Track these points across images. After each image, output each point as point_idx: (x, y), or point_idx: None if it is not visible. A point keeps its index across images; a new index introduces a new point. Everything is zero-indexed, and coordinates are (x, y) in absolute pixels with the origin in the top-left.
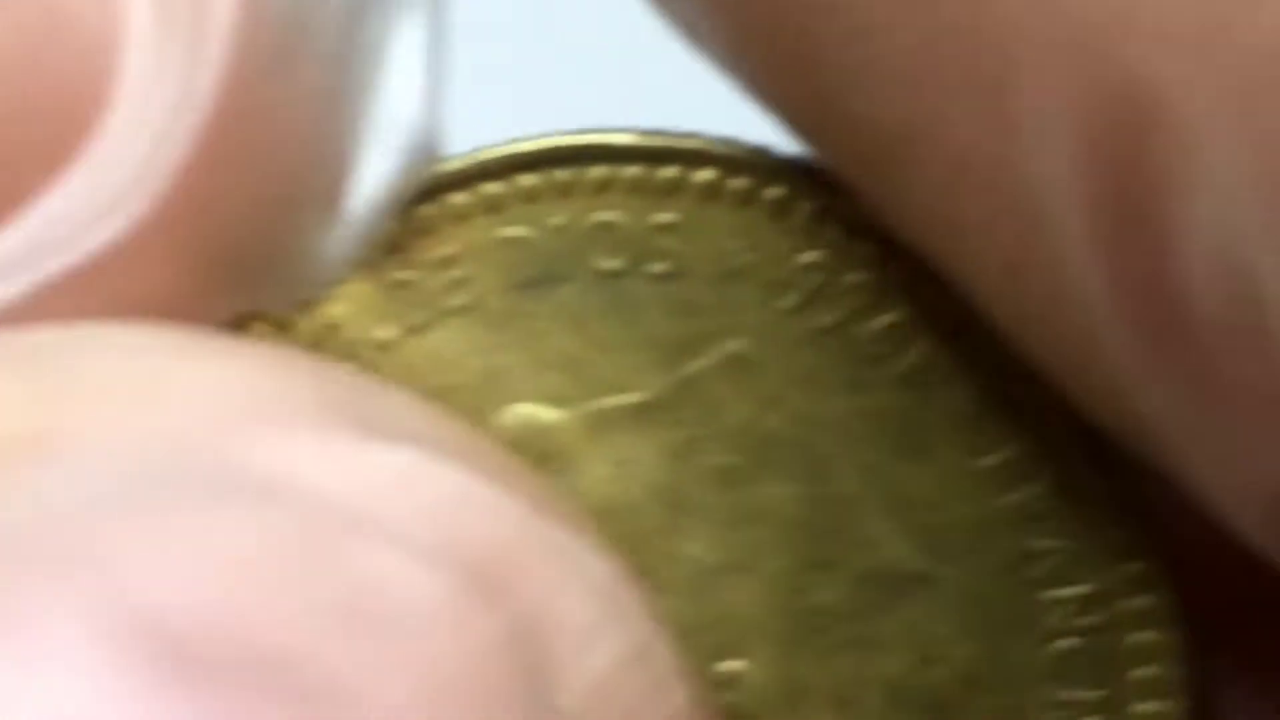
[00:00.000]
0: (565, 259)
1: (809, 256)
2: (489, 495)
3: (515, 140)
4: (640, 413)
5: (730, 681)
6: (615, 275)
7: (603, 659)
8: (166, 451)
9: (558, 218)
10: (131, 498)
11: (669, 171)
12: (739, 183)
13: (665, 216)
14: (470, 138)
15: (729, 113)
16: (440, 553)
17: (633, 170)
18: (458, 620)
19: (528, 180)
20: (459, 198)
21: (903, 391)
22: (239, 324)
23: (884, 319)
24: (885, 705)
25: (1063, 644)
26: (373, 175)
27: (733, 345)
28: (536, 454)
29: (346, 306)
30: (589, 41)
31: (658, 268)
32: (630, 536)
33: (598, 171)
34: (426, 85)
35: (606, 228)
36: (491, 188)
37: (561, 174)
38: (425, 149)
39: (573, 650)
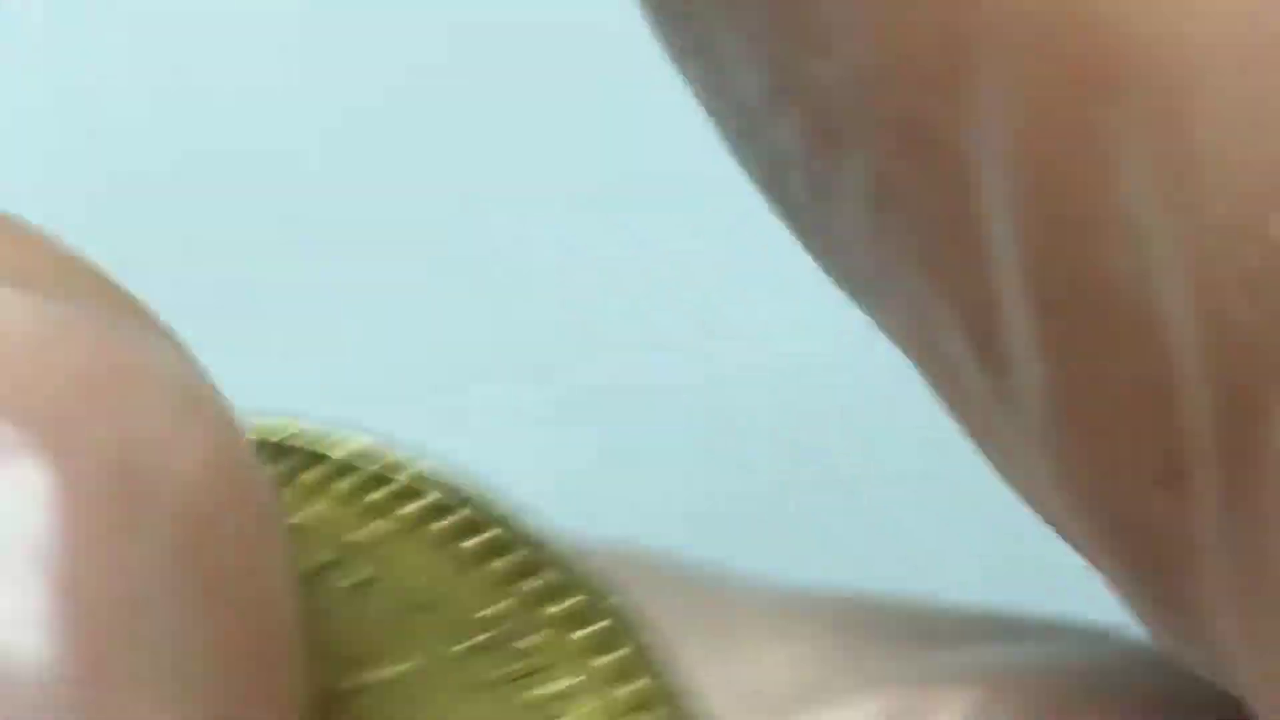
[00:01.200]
0: None
1: (495, 609)
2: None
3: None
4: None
5: None
6: (314, 573)
7: (187, 461)
8: None
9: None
10: None
11: (377, 495)
12: (444, 523)
13: (365, 534)
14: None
15: None
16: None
17: (346, 482)
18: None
19: None
20: None
21: None
22: None
23: (556, 685)
24: None
25: None
26: None
27: (398, 669)
28: None
29: None
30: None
31: (355, 577)
32: None
33: (311, 475)
34: None
35: (315, 528)
36: None
37: (282, 467)
38: None
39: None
